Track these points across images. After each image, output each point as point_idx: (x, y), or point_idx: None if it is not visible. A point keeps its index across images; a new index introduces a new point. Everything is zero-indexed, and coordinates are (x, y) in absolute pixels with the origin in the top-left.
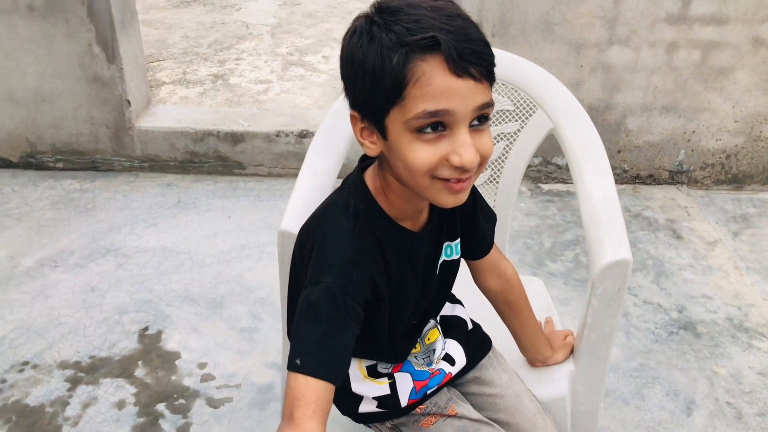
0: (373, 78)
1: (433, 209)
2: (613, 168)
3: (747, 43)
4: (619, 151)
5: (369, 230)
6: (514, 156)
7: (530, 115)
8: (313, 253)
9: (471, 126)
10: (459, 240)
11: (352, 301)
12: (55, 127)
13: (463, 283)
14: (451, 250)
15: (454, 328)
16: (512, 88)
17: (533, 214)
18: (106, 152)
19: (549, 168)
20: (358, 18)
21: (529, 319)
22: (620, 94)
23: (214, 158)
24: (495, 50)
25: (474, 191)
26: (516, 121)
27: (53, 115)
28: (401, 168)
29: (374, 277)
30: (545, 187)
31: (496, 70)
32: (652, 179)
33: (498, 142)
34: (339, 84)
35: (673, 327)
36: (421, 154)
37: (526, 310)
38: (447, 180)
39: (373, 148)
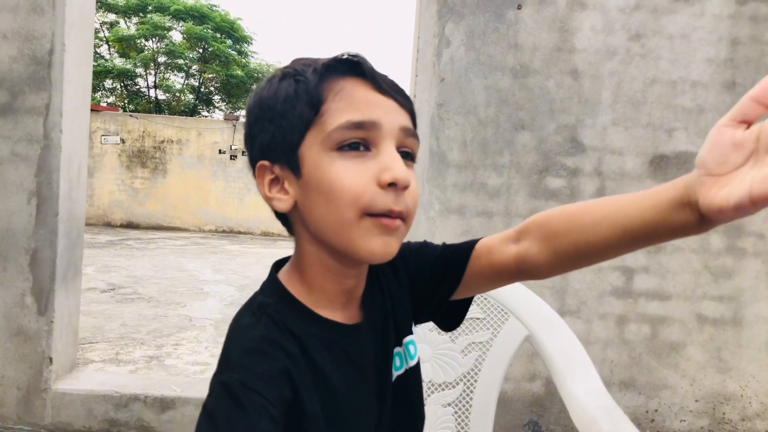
0: (285, 105)
1: (366, 292)
2: None
3: (692, 320)
4: None
5: (282, 324)
6: (488, 368)
7: (502, 323)
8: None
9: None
10: (413, 336)
11: (259, 398)
12: None
13: None
14: (404, 357)
15: None
16: (481, 296)
17: None
18: (8, 419)
19: None
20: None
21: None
22: None
23: (135, 428)
24: None
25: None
26: (487, 329)
27: None
28: (322, 206)
29: (290, 373)
30: None
31: None
32: None
33: (469, 353)
34: None
35: None
36: (347, 173)
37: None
38: (378, 215)
39: (284, 200)
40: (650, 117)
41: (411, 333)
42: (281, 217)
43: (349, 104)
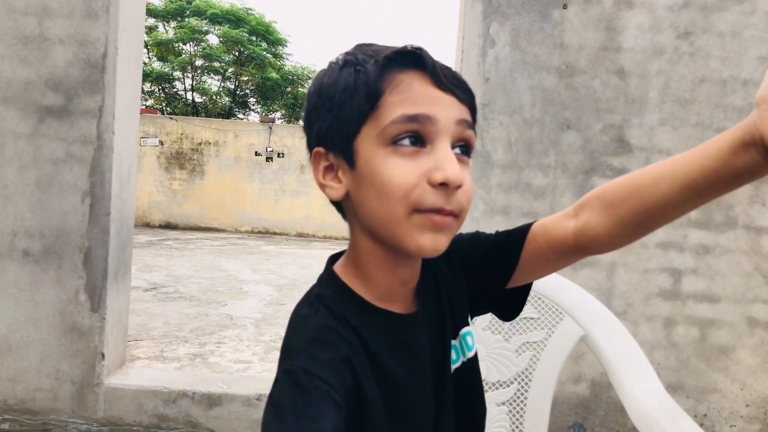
0: (343, 96)
1: (420, 283)
2: None
3: (743, 323)
4: None
5: (339, 315)
6: (543, 368)
7: (557, 323)
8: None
9: (453, 149)
10: (470, 327)
11: (323, 384)
12: (12, 381)
13: None
14: (460, 349)
15: None
16: (536, 296)
17: None
18: (63, 412)
19: None
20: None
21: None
22: None
23: (183, 423)
24: None
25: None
26: (542, 329)
27: (15, 367)
28: (373, 200)
29: (351, 360)
30: None
31: None
32: None
33: (523, 352)
34: None
35: None
36: (399, 170)
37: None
38: (428, 211)
39: (336, 188)
40: (699, 116)
41: (467, 324)
42: (337, 204)
43: (406, 98)
